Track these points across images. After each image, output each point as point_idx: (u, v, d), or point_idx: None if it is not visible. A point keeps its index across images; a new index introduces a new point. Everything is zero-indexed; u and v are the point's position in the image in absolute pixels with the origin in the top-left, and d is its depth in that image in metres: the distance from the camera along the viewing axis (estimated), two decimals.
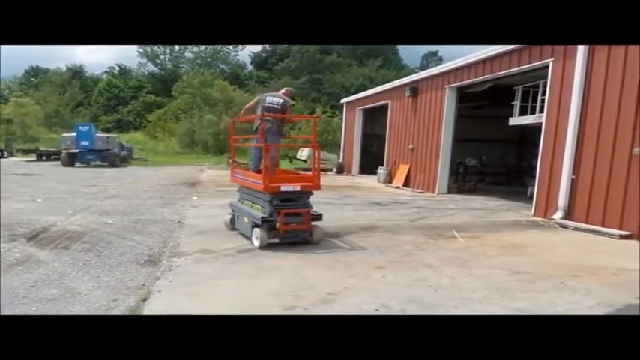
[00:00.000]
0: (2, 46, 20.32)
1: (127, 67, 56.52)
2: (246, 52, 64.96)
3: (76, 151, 21.35)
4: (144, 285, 4.13)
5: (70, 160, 21.19)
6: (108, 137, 22.95)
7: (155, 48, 54.77)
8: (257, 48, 58.80)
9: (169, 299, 3.75)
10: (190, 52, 55.96)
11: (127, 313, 3.45)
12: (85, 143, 21.30)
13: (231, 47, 56.24)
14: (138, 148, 31.72)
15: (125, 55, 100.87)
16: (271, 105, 6.61)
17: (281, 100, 6.71)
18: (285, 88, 7.27)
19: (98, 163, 21.63)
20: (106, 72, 56.25)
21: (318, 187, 5.92)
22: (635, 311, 3.68)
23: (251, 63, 59.46)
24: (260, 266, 4.83)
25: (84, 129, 21.93)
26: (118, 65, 56.27)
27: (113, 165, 21.42)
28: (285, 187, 5.77)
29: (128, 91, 50.73)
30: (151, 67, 56.73)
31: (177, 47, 54.97)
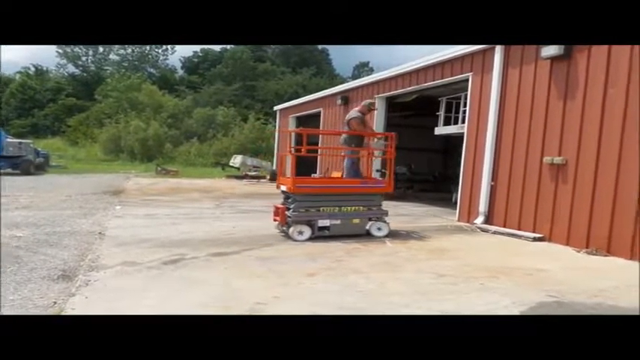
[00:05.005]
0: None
1: (44, 68, 52.57)
2: (176, 56, 63.12)
3: None
4: (55, 303, 3.79)
5: None
6: (20, 142, 21.10)
7: (76, 49, 51.44)
8: (188, 52, 57.28)
9: None
10: (116, 54, 53.28)
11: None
12: None
13: (160, 50, 54.26)
14: (56, 154, 29.53)
15: (41, 54, 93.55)
16: (346, 119, 8.04)
17: (348, 114, 8.01)
18: (363, 103, 8.23)
19: (9, 170, 19.80)
20: (19, 72, 51.76)
21: (293, 190, 6.80)
22: (551, 310, 3.94)
23: (182, 67, 57.80)
24: (186, 278, 4.62)
25: None
26: (33, 65, 52.07)
27: (27, 173, 19.72)
28: (282, 187, 7.17)
29: (45, 93, 47.04)
30: (71, 68, 53.26)
31: (101, 48, 51.99)
